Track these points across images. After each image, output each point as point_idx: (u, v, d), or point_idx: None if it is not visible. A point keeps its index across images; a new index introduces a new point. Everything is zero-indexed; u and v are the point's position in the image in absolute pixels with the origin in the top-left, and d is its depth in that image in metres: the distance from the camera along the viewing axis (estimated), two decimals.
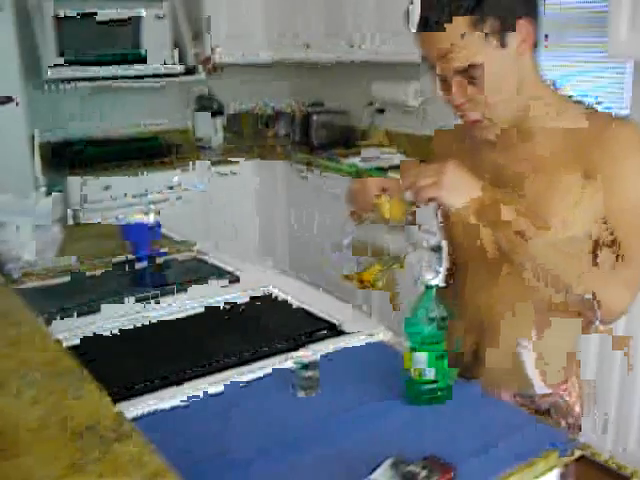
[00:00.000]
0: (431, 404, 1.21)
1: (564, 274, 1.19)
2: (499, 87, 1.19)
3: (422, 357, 1.19)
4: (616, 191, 1.17)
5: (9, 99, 1.71)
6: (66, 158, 3.85)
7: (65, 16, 3.74)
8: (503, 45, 1.16)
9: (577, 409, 1.40)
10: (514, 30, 1.16)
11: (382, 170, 3.56)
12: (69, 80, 3.94)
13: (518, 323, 1.33)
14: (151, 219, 2.08)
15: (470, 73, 1.17)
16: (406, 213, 1.27)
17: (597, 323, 1.28)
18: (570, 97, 1.29)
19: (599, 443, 2.53)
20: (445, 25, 1.14)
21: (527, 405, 1.35)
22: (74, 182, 3.67)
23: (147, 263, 2.03)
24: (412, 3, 1.21)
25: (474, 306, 1.37)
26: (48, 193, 2.10)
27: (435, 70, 1.22)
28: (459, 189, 1.17)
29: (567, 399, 1.38)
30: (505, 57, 1.17)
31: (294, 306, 1.66)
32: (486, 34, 1.15)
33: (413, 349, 1.19)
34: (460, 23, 1.14)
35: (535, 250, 1.17)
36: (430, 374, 1.20)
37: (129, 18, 3.94)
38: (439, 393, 1.21)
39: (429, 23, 1.16)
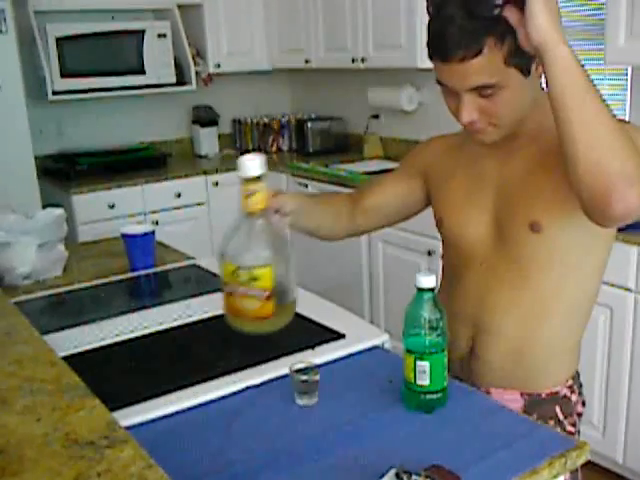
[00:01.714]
0: (431, 412, 1.21)
1: (609, 139, 1.06)
2: (517, 109, 1.22)
3: (424, 366, 1.19)
4: None
5: None
6: (70, 176, 3.87)
7: (66, 37, 3.78)
8: (528, 74, 1.18)
9: (580, 408, 1.41)
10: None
11: (368, 174, 3.60)
12: (72, 100, 3.98)
13: (518, 317, 1.34)
14: (149, 230, 2.10)
15: (485, 93, 1.18)
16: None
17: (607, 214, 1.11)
18: None
19: (600, 445, 2.52)
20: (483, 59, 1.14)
21: (534, 403, 1.36)
22: (78, 200, 3.69)
23: (148, 275, 2.04)
24: (436, 37, 1.18)
25: (469, 301, 1.38)
26: (51, 211, 2.11)
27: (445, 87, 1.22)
28: (552, 13, 1.06)
29: (571, 397, 1.39)
30: (526, 82, 1.19)
31: (297, 315, 1.65)
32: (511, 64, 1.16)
33: (415, 358, 1.19)
34: (496, 56, 1.14)
35: (595, 107, 1.07)
36: (432, 384, 1.20)
37: (131, 37, 3.98)
38: (441, 402, 1.22)
39: (461, 56, 1.14)
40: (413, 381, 1.20)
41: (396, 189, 1.53)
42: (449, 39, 1.14)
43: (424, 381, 1.19)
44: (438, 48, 1.17)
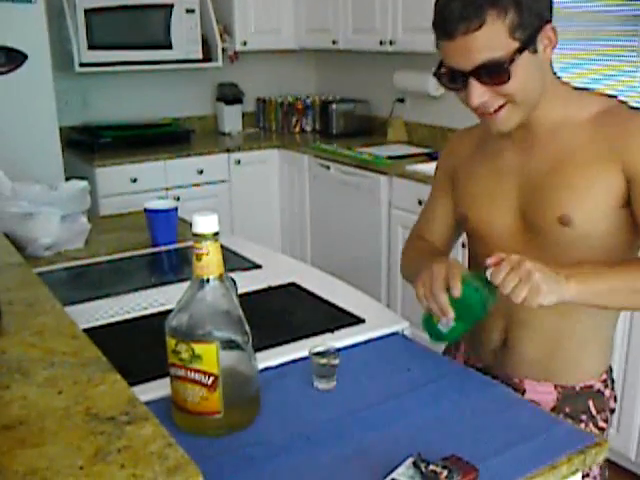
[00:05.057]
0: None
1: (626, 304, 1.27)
2: (528, 88, 1.18)
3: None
4: None
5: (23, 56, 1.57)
6: (93, 148, 3.89)
7: (95, 9, 3.78)
8: (535, 52, 1.16)
9: (612, 404, 1.40)
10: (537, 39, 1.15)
11: (391, 158, 3.58)
12: (98, 72, 3.99)
13: (551, 309, 1.32)
14: (172, 206, 2.10)
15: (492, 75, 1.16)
16: None
17: None
18: (587, 90, 1.29)
19: (614, 441, 2.50)
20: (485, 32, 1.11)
21: (567, 396, 1.35)
22: (100, 173, 3.71)
23: (169, 251, 2.04)
24: (440, 14, 1.16)
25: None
26: (76, 183, 2.12)
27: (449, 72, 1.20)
28: (552, 286, 1.13)
29: (605, 391, 1.38)
30: (534, 60, 1.16)
31: (317, 298, 1.66)
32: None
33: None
34: (500, 29, 1.12)
35: (615, 292, 1.19)
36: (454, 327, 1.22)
37: (159, 11, 3.97)
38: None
39: (464, 29, 1.12)
40: (436, 322, 1.23)
41: (447, 215, 1.49)
42: (451, 13, 1.12)
43: (447, 324, 1.22)
44: (442, 24, 1.15)
